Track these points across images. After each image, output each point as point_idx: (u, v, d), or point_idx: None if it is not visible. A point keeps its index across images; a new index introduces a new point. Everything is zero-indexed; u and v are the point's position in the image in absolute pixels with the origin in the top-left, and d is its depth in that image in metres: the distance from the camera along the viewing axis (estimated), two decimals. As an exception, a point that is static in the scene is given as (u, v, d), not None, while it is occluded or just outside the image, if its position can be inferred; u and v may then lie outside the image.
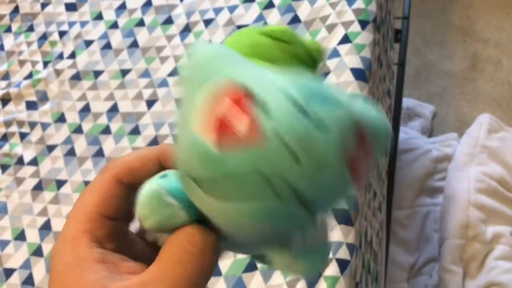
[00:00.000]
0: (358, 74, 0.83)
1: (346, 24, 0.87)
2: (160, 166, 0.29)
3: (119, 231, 0.28)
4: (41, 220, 0.87)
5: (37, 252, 0.85)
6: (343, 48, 0.85)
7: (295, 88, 0.22)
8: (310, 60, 0.29)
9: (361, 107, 0.24)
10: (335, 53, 0.86)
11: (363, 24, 0.87)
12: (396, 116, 1.13)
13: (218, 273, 0.74)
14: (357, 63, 0.84)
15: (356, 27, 0.87)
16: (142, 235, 0.30)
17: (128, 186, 0.28)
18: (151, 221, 0.26)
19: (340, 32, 0.87)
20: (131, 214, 0.29)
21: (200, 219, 0.26)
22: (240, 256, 0.73)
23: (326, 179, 0.22)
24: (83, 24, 1.07)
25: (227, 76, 0.23)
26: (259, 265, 0.73)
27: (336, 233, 0.72)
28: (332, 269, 0.70)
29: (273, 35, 0.28)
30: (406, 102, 1.52)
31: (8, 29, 1.12)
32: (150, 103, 0.93)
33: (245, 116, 0.22)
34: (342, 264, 0.70)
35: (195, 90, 0.23)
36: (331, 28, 0.89)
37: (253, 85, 0.22)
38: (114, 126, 0.93)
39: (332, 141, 0.22)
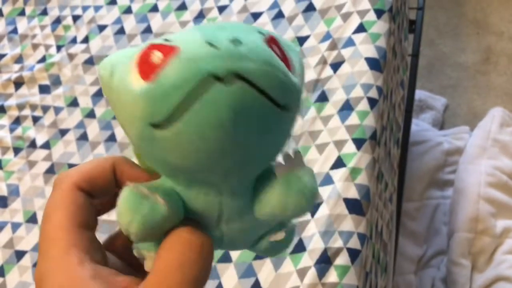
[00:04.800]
0: (372, 63, 0.82)
1: (362, 13, 0.87)
2: (115, 176, 0.28)
3: (97, 242, 0.27)
4: (53, 203, 0.88)
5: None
6: (358, 37, 0.85)
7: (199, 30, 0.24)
8: None
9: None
10: (350, 42, 0.85)
11: (379, 13, 0.86)
12: (409, 108, 1.12)
13: (229, 259, 0.74)
14: (372, 53, 0.83)
15: (371, 16, 0.86)
16: (109, 248, 0.29)
17: (87, 194, 0.27)
18: (135, 225, 0.25)
19: (355, 21, 0.87)
20: (96, 223, 0.28)
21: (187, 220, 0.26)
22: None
23: (251, 47, 0.23)
24: (97, 8, 1.06)
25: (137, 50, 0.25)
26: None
27: (348, 223, 0.72)
28: (343, 259, 0.70)
29: None
30: (418, 94, 1.51)
31: (22, 13, 1.12)
32: (163, 89, 0.93)
33: (159, 51, 0.23)
34: (353, 254, 0.70)
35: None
36: (346, 16, 0.88)
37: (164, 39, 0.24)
38: (127, 112, 0.93)
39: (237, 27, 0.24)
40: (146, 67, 0.23)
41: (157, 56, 0.23)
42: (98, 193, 0.28)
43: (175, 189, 0.26)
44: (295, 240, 0.73)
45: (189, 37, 0.23)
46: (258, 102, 0.23)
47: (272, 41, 0.25)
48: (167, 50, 0.23)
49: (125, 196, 0.25)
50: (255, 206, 0.27)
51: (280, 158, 0.27)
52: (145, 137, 0.24)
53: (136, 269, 0.30)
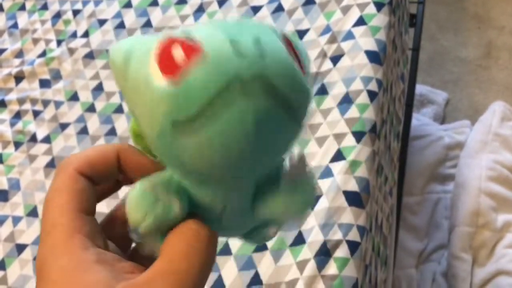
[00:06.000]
0: (372, 56, 0.82)
1: (362, 6, 0.87)
2: (118, 163, 0.28)
3: (98, 227, 0.27)
4: (53, 197, 0.88)
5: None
6: (358, 30, 0.85)
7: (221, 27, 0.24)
8: None
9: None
10: (349, 35, 0.85)
11: (379, 6, 0.86)
12: (409, 102, 1.12)
13: (228, 252, 0.74)
14: (371, 46, 0.83)
15: (371, 9, 0.86)
16: (108, 234, 0.29)
17: (89, 179, 0.27)
18: (147, 223, 0.25)
19: (355, 14, 0.86)
20: (95, 209, 0.28)
21: (189, 212, 0.26)
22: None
23: (270, 51, 0.23)
24: (96, 3, 1.07)
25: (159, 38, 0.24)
26: (269, 245, 0.73)
27: (347, 215, 0.72)
28: (342, 251, 0.70)
29: None
30: (419, 88, 1.51)
31: (22, 7, 1.12)
32: (163, 83, 0.93)
33: (181, 47, 0.23)
34: (353, 246, 0.70)
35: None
36: (346, 9, 0.88)
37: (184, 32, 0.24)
38: (127, 106, 0.93)
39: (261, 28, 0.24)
40: (168, 64, 0.23)
41: (180, 54, 0.23)
42: (100, 179, 0.28)
43: (182, 183, 0.26)
44: (294, 233, 0.73)
45: (212, 36, 0.23)
46: (279, 112, 0.23)
47: (287, 42, 0.25)
48: (190, 49, 0.23)
49: (138, 193, 0.25)
50: (256, 205, 0.28)
51: (286, 162, 0.28)
52: (164, 135, 0.23)
53: (130, 255, 0.30)
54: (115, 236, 0.29)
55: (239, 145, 0.23)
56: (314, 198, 0.28)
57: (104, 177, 0.28)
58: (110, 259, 0.25)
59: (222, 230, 0.28)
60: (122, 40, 0.26)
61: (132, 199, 0.25)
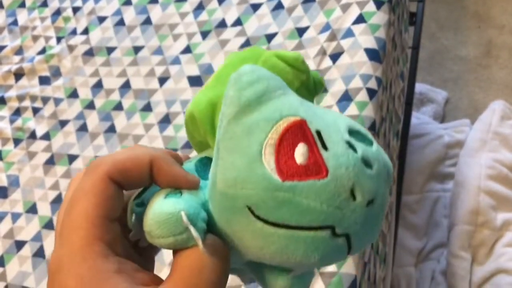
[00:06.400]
0: (372, 54, 0.82)
1: (361, 4, 0.87)
2: (151, 171, 0.27)
3: (120, 234, 0.26)
4: (53, 194, 0.88)
5: (49, 225, 0.85)
6: (358, 28, 0.85)
7: (344, 125, 0.25)
8: (313, 88, 0.32)
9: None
10: (349, 33, 0.85)
11: (379, 4, 0.86)
12: (409, 100, 1.12)
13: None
14: (371, 43, 0.83)
15: (371, 6, 0.86)
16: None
17: (119, 185, 0.26)
18: (164, 241, 0.25)
19: (355, 12, 0.86)
20: (122, 214, 0.27)
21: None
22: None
23: (372, 216, 0.25)
24: (96, 0, 1.06)
25: (290, 111, 0.25)
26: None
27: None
28: (341, 248, 0.70)
29: (289, 61, 0.30)
30: (419, 87, 1.51)
31: (22, 5, 1.12)
32: (162, 80, 0.93)
33: (309, 149, 0.24)
34: (351, 243, 0.70)
35: (253, 119, 0.25)
36: (346, 7, 0.88)
37: (313, 121, 0.25)
38: (126, 103, 0.93)
39: (376, 178, 0.25)
40: (287, 165, 0.24)
41: (303, 159, 0.24)
42: (130, 186, 0.27)
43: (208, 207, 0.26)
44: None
45: (342, 169, 0.24)
46: (337, 255, 0.25)
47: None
48: (317, 165, 0.24)
49: (168, 216, 0.24)
50: (267, 278, 0.28)
51: None
52: (246, 212, 0.24)
53: (145, 258, 0.30)
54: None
55: (298, 263, 0.25)
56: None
57: (135, 184, 0.27)
58: (130, 269, 0.25)
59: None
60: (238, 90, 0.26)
61: (160, 215, 0.25)
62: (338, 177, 0.23)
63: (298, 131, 0.24)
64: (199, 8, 0.98)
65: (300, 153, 0.24)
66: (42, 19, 1.08)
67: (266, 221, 0.24)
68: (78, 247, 0.24)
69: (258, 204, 0.24)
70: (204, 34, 0.95)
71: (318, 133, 0.24)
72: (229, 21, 0.95)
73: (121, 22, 1.02)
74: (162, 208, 0.25)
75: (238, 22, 0.94)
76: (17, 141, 0.96)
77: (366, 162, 0.24)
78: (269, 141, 0.24)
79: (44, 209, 0.87)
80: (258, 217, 0.24)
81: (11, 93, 1.01)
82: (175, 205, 0.25)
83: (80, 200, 0.25)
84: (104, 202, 0.25)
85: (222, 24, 0.95)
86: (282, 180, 0.23)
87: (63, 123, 0.95)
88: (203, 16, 0.97)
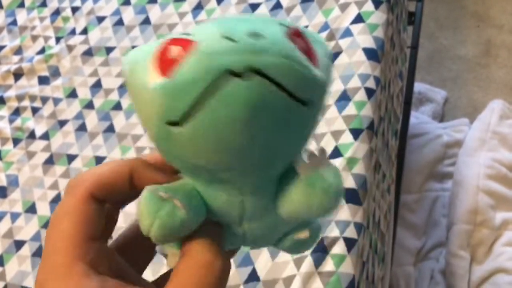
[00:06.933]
0: (370, 54, 0.82)
1: (360, 3, 0.87)
2: (131, 180, 0.27)
3: (104, 251, 0.26)
4: (52, 194, 0.88)
5: (48, 225, 0.85)
6: (356, 28, 0.85)
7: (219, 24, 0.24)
8: None
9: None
10: (347, 33, 0.85)
11: (377, 3, 0.86)
12: (408, 99, 1.12)
13: (226, 248, 0.74)
14: (369, 43, 0.83)
15: (369, 6, 0.86)
16: (121, 250, 0.29)
17: (101, 202, 0.26)
18: (155, 228, 0.24)
19: (353, 11, 0.87)
20: (108, 231, 0.28)
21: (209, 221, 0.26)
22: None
23: (270, 40, 0.22)
24: (95, 0, 1.07)
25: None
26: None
27: (344, 212, 0.72)
28: (339, 248, 0.70)
29: None
30: (418, 86, 1.51)
31: (21, 5, 1.12)
32: (161, 80, 0.93)
33: (177, 45, 0.23)
34: (350, 243, 0.71)
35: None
36: (344, 7, 0.88)
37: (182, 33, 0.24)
38: (125, 102, 0.93)
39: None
40: (164, 63, 0.23)
41: (174, 51, 0.22)
42: (113, 200, 0.27)
43: (197, 189, 0.26)
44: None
45: (206, 30, 0.23)
46: (275, 97, 0.22)
47: (295, 34, 0.24)
48: (186, 44, 0.22)
49: (144, 199, 0.25)
50: (279, 205, 0.27)
51: (304, 156, 0.27)
52: (162, 135, 0.23)
53: (139, 270, 0.30)
54: (129, 254, 0.29)
55: (230, 131, 0.22)
56: (337, 188, 0.26)
57: (117, 197, 0.27)
58: (112, 286, 0.24)
59: (247, 238, 0.28)
60: (131, 50, 0.26)
61: (140, 205, 0.25)
62: (207, 35, 0.22)
63: (165, 43, 0.23)
64: (198, 8, 0.99)
65: (170, 51, 0.23)
66: (41, 19, 1.08)
67: (183, 114, 0.22)
68: (60, 268, 0.24)
69: (165, 113, 0.23)
70: (203, 34, 0.95)
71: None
72: (228, 21, 0.95)
73: (120, 22, 1.02)
74: (138, 204, 0.25)
75: (236, 22, 0.94)
76: (16, 141, 0.96)
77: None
78: (149, 70, 0.23)
79: (43, 209, 0.87)
80: (174, 124, 0.23)
81: (10, 93, 1.02)
82: (144, 193, 0.25)
83: (61, 221, 0.26)
84: (84, 222, 0.25)
85: (220, 24, 0.95)
86: (163, 76, 0.22)
87: (62, 123, 0.95)
88: (202, 15, 0.97)
